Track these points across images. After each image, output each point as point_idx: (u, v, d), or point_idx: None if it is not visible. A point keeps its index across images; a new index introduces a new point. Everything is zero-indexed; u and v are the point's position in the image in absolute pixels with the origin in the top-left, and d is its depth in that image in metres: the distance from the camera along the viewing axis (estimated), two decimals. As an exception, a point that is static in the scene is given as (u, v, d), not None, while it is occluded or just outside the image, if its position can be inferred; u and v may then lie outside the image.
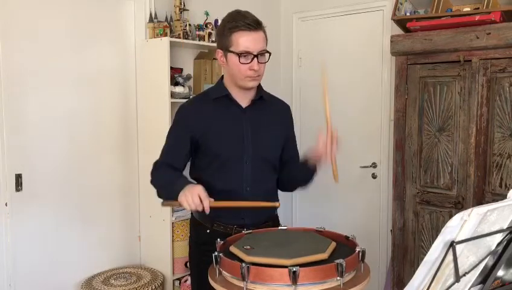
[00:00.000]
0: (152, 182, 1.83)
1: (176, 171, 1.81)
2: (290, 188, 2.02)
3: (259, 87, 1.86)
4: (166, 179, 1.78)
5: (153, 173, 1.84)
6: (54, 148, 2.77)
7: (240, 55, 1.70)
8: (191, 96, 3.04)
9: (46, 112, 2.73)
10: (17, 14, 2.58)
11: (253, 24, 1.70)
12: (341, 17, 3.71)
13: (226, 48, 1.73)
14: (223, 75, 1.87)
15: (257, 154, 1.82)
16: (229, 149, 1.79)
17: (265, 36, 1.76)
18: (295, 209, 4.09)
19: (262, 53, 1.73)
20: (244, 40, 1.69)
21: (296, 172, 1.91)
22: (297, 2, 3.95)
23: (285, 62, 4.06)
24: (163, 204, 1.77)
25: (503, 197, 1.11)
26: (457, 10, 2.82)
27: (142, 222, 3.20)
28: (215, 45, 1.84)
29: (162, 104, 2.95)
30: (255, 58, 1.71)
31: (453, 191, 2.80)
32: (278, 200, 1.97)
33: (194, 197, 1.59)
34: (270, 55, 1.77)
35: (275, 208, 1.78)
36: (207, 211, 1.60)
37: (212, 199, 1.62)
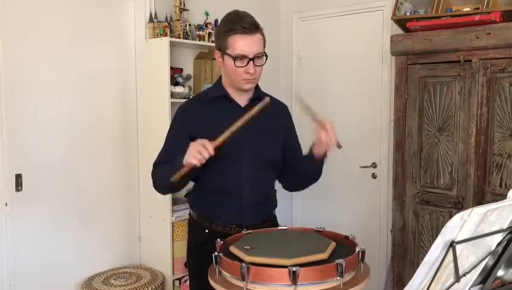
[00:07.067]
0: (154, 182, 1.81)
1: None
2: (300, 186, 2.00)
3: (257, 86, 1.86)
4: (166, 168, 1.72)
5: (153, 174, 1.83)
6: (54, 148, 2.77)
7: (235, 58, 1.69)
8: (191, 97, 3.04)
9: (46, 112, 2.73)
10: (17, 14, 2.58)
11: (249, 27, 1.69)
12: (341, 17, 3.71)
13: (223, 50, 1.73)
14: (221, 75, 1.87)
15: (256, 154, 1.81)
16: (228, 149, 1.79)
17: (264, 38, 1.75)
18: (295, 209, 4.09)
19: (258, 56, 1.72)
20: (240, 44, 1.68)
21: (304, 168, 1.88)
22: (297, 2, 3.95)
23: (285, 62, 4.06)
24: (174, 178, 1.64)
25: (503, 197, 1.11)
26: (457, 10, 2.82)
27: (142, 222, 3.19)
28: (214, 45, 1.84)
29: (162, 104, 2.95)
30: (251, 62, 1.70)
31: (453, 191, 2.80)
32: (276, 201, 1.98)
33: (197, 149, 1.56)
34: (267, 58, 1.76)
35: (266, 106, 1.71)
36: (212, 152, 1.57)
37: (212, 146, 1.58)
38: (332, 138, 1.67)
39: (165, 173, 1.69)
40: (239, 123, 1.62)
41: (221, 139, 1.61)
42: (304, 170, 1.89)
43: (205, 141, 1.58)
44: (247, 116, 1.62)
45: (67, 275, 2.86)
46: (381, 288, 3.44)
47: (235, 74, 1.73)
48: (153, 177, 1.83)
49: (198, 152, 1.57)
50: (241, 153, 1.80)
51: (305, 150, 1.90)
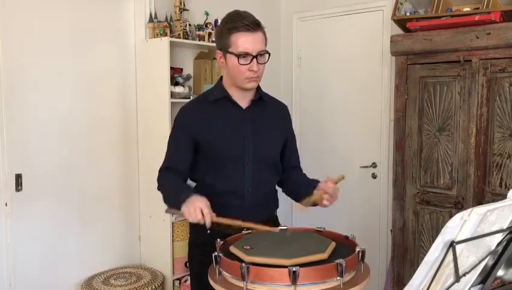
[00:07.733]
0: (159, 188, 1.84)
1: (180, 178, 1.81)
2: (285, 191, 2.04)
3: (258, 87, 1.85)
4: (171, 188, 1.77)
5: (159, 180, 1.85)
6: (54, 148, 2.77)
7: (239, 56, 1.69)
8: (191, 97, 3.04)
9: (46, 112, 2.72)
10: (17, 14, 2.58)
11: (251, 25, 1.69)
12: (341, 17, 3.71)
13: (225, 49, 1.72)
14: (221, 76, 1.86)
15: (258, 155, 1.81)
16: (229, 150, 1.79)
17: (265, 36, 1.75)
18: (295, 209, 4.08)
19: (261, 54, 1.72)
20: (243, 41, 1.68)
21: (298, 186, 1.93)
22: (297, 2, 3.95)
23: (285, 62, 4.06)
24: (166, 211, 1.75)
25: (503, 197, 1.11)
26: (457, 10, 2.82)
27: (142, 222, 3.19)
28: (215, 45, 1.84)
29: (162, 104, 2.95)
30: (254, 59, 1.70)
31: (453, 191, 2.80)
32: (278, 201, 1.99)
33: (197, 211, 1.57)
34: (269, 56, 1.76)
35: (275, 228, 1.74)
36: (208, 226, 1.59)
37: (214, 214, 1.60)
38: (330, 202, 1.70)
39: (165, 194, 1.79)
40: (244, 225, 1.60)
41: (221, 221, 1.61)
42: (297, 186, 1.94)
43: (209, 213, 1.58)
44: (252, 226, 1.61)
45: (67, 275, 2.86)
46: (381, 288, 3.43)
47: (238, 73, 1.72)
48: (158, 183, 1.85)
49: (196, 215, 1.58)
50: (243, 154, 1.80)
51: (302, 155, 1.89)
